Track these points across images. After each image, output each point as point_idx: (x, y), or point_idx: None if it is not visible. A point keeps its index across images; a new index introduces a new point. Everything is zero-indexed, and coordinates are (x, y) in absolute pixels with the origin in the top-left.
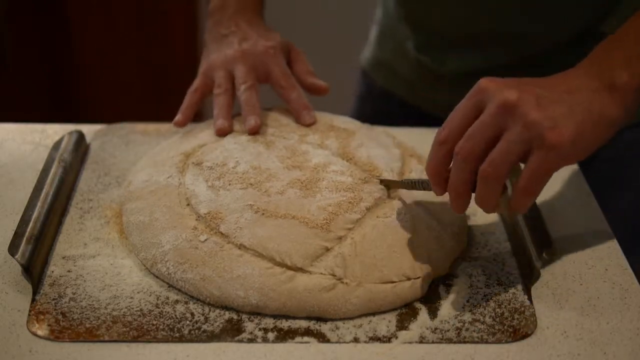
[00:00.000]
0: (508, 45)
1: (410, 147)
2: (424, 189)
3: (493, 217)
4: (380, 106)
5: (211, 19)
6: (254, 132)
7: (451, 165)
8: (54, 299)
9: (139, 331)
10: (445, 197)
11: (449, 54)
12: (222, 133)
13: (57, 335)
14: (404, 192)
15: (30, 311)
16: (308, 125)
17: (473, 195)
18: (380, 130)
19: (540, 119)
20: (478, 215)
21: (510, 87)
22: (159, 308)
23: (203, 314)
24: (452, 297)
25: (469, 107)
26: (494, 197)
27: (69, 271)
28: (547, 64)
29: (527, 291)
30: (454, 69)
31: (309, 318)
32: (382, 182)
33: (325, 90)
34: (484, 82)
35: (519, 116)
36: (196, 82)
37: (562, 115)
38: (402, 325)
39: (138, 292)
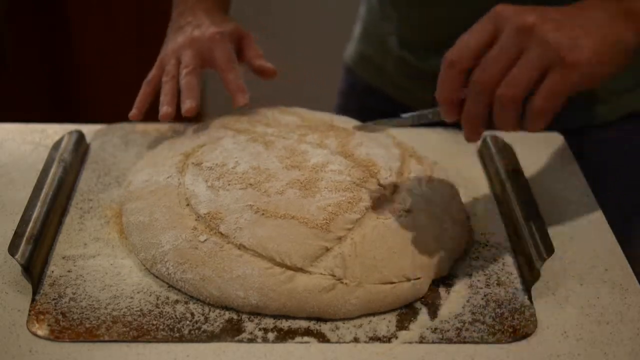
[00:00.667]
0: None
1: (410, 147)
2: (432, 119)
3: (493, 217)
4: (364, 102)
5: (174, 11)
6: (190, 114)
7: (466, 94)
8: (54, 299)
9: (139, 331)
10: (446, 197)
11: (433, 51)
12: (165, 118)
13: (57, 335)
14: (404, 194)
15: (30, 311)
16: (241, 106)
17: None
18: None
19: (560, 39)
20: (478, 216)
21: (527, 11)
22: (159, 308)
23: (203, 314)
24: (452, 297)
25: (483, 30)
26: (512, 120)
27: (69, 271)
28: None
29: (527, 291)
30: (438, 66)
31: (309, 318)
32: (359, 128)
33: (272, 72)
34: (499, 7)
35: (538, 37)
36: (150, 73)
37: (580, 36)
38: (402, 325)
39: (138, 292)
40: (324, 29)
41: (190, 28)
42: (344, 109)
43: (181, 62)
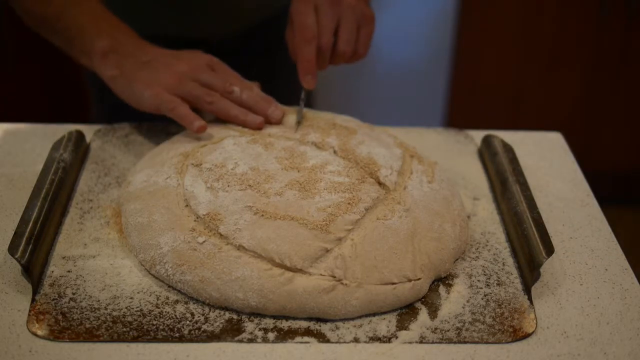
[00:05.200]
0: None
1: (411, 147)
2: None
3: (493, 217)
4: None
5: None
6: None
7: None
8: (54, 299)
9: (139, 331)
10: (447, 197)
11: None
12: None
13: (57, 335)
14: (405, 194)
15: (30, 311)
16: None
17: None
18: (381, 130)
19: (358, 4)
20: (478, 216)
21: None
22: (159, 308)
23: (203, 314)
24: (452, 297)
25: (309, 11)
26: (354, 62)
27: (69, 271)
28: None
29: (527, 291)
30: None
31: (309, 318)
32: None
33: None
34: None
35: (346, 5)
36: (179, 109)
37: None
38: (402, 325)
39: (138, 292)
40: None
41: (169, 58)
42: None
43: (213, 82)
